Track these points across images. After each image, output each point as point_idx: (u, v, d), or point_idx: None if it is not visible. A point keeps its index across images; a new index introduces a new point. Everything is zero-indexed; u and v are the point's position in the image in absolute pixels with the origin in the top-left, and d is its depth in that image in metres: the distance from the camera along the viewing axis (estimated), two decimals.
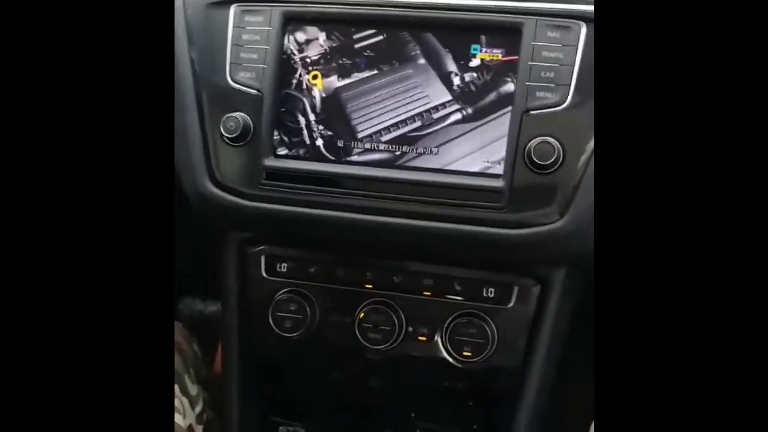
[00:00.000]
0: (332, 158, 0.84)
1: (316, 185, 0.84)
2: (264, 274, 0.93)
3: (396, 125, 0.83)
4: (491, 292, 0.89)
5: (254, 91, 0.84)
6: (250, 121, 0.83)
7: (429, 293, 0.90)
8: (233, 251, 0.94)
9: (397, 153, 0.83)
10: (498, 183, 0.79)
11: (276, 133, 0.85)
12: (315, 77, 0.85)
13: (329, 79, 0.85)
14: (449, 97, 0.82)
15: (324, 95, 0.85)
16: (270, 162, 0.85)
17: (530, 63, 0.77)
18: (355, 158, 0.84)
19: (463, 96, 0.81)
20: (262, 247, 0.93)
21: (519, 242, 0.80)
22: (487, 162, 0.82)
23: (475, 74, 0.81)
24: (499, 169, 0.80)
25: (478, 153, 0.82)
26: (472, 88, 0.81)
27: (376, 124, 0.84)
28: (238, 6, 0.82)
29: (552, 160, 0.76)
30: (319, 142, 0.85)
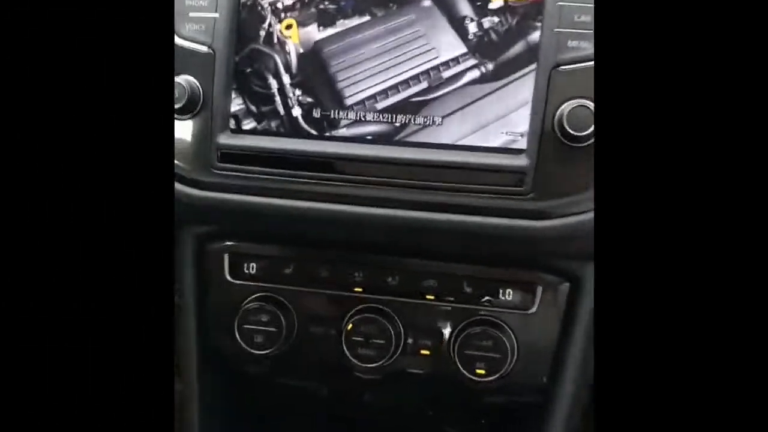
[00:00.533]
0: (313, 133, 0.71)
1: (288, 168, 0.70)
2: (228, 277, 0.81)
3: (394, 88, 0.69)
4: (509, 294, 0.76)
5: (204, 48, 0.70)
6: (199, 87, 0.70)
7: (432, 297, 0.77)
8: (189, 248, 0.82)
9: (396, 125, 0.70)
10: (521, 161, 0.66)
11: (240, 101, 0.72)
12: (289, 27, 0.71)
13: (307, 30, 0.70)
14: (463, 50, 0.68)
15: (301, 51, 0.71)
16: (225, 139, 0.71)
17: (559, 3, 0.64)
18: (342, 132, 0.71)
19: (480, 48, 0.67)
20: (224, 243, 0.80)
21: (547, 236, 0.68)
22: (509, 134, 0.67)
23: (496, 19, 0.67)
24: (522, 143, 0.67)
25: (499, 123, 0.67)
26: (493, 37, 0.67)
27: (368, 88, 0.70)
28: None
29: (589, 130, 0.62)
30: (296, 111, 0.72)
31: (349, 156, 0.69)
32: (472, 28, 0.68)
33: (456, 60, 0.68)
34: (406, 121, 0.70)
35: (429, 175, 0.68)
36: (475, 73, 0.68)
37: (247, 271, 0.81)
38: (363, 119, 0.70)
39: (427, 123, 0.69)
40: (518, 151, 0.67)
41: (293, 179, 0.71)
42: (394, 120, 0.70)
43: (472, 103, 0.68)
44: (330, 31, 0.70)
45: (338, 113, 0.71)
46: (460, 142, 0.69)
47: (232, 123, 0.73)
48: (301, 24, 0.71)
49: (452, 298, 0.76)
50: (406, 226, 0.70)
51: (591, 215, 0.65)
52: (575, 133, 0.63)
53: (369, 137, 0.70)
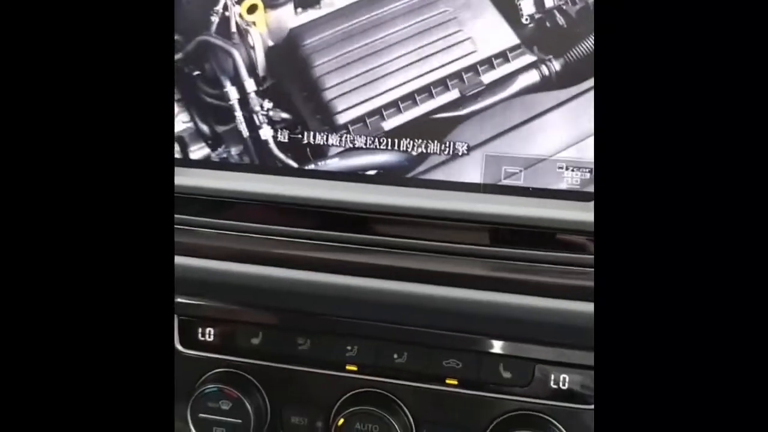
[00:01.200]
0: (290, 165, 0.61)
1: (254, 221, 0.61)
2: (178, 346, 0.71)
3: (409, 99, 0.57)
4: (564, 381, 0.62)
5: None
6: None
7: (455, 382, 0.65)
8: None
9: (412, 154, 0.59)
10: (589, 214, 0.55)
11: (186, 118, 0.62)
12: (252, 9, 0.59)
13: (278, 13, 0.59)
14: (515, 41, 0.56)
15: (271, 44, 0.61)
16: (184, 179, 0.63)
17: None
18: (330, 165, 0.61)
19: (540, 38, 0.56)
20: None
21: None
22: (575, 170, 0.55)
23: None
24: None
25: (563, 153, 0.56)
26: (559, 22, 0.55)
27: (369, 99, 0.58)
28: None
29: None
30: (266, 133, 0.61)
31: (343, 204, 0.60)
32: (527, 8, 0.55)
33: (503, 56, 0.56)
34: (426, 150, 0.58)
35: (455, 234, 0.58)
36: (532, 76, 0.56)
37: (203, 339, 0.70)
38: (362, 146, 0.59)
39: (458, 152, 0.58)
40: (587, 197, 0.56)
41: (261, 236, 0.62)
42: (408, 147, 0.59)
43: (526, 122, 0.56)
44: (312, 15, 0.59)
45: (326, 136, 0.60)
46: (503, 182, 0.58)
47: (175, 151, 0.64)
48: (270, 5, 0.59)
49: (484, 385, 0.65)
50: (419, 306, 0.61)
51: None
52: None
53: (370, 173, 0.60)
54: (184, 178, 0.63)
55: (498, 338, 0.65)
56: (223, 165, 0.63)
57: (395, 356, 0.65)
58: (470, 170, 0.59)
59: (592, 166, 0.57)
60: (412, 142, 0.58)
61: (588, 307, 0.58)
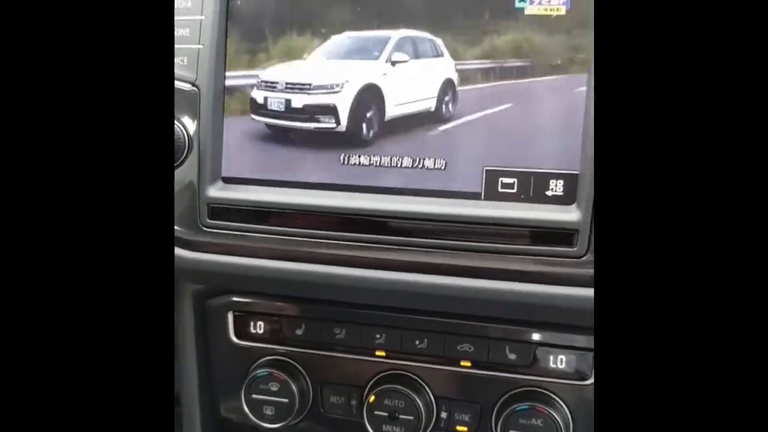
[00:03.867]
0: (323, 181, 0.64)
1: (295, 227, 0.63)
2: (233, 338, 0.73)
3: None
4: (561, 361, 0.65)
5: (186, 86, 0.64)
6: (184, 131, 0.63)
7: (468, 364, 0.68)
8: (189, 304, 0.74)
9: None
10: (571, 215, 0.58)
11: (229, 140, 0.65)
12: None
13: None
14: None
15: None
16: (216, 192, 0.65)
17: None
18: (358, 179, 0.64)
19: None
20: (228, 299, 0.73)
21: None
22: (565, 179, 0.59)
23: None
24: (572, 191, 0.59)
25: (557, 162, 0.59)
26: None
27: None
28: None
29: None
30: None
31: (368, 211, 0.62)
32: None
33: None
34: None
35: (463, 234, 0.61)
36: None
37: (254, 331, 0.73)
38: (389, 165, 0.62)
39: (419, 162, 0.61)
40: (568, 201, 0.58)
41: (302, 239, 0.64)
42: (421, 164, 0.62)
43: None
44: None
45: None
46: (460, 188, 0.61)
47: (224, 170, 0.65)
48: None
49: (494, 365, 0.67)
50: (432, 294, 0.62)
51: None
52: None
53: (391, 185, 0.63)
54: (223, 193, 0.65)
55: (503, 323, 0.66)
56: (264, 181, 0.65)
57: (417, 342, 0.68)
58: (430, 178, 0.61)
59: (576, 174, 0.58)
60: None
61: (577, 291, 0.59)
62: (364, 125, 0.62)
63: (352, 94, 0.62)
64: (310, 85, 0.63)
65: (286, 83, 0.63)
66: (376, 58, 0.61)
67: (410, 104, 0.61)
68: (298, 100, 0.63)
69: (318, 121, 0.63)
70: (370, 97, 0.62)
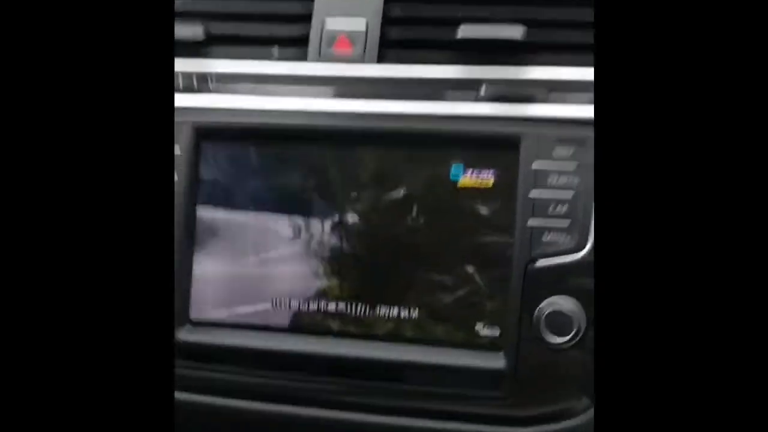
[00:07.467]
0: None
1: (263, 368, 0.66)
2: None
3: None
4: None
5: None
6: None
7: None
8: None
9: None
10: (498, 362, 0.60)
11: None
12: None
13: None
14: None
15: None
16: (185, 335, 0.65)
17: (533, 193, 0.60)
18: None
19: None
20: None
21: None
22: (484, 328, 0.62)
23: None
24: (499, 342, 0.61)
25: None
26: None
27: None
28: None
29: (572, 333, 0.58)
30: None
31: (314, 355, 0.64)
32: None
33: None
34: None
35: (393, 377, 0.64)
36: None
37: None
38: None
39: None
40: (496, 348, 0.61)
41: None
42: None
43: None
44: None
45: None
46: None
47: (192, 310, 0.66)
48: None
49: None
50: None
51: (584, 417, 0.61)
52: (554, 339, 0.58)
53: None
54: (192, 336, 0.64)
55: None
56: (234, 325, 0.65)
57: None
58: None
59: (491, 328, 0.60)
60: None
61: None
62: None
63: None
64: None
65: None
66: None
67: None
68: None
69: None
70: None
